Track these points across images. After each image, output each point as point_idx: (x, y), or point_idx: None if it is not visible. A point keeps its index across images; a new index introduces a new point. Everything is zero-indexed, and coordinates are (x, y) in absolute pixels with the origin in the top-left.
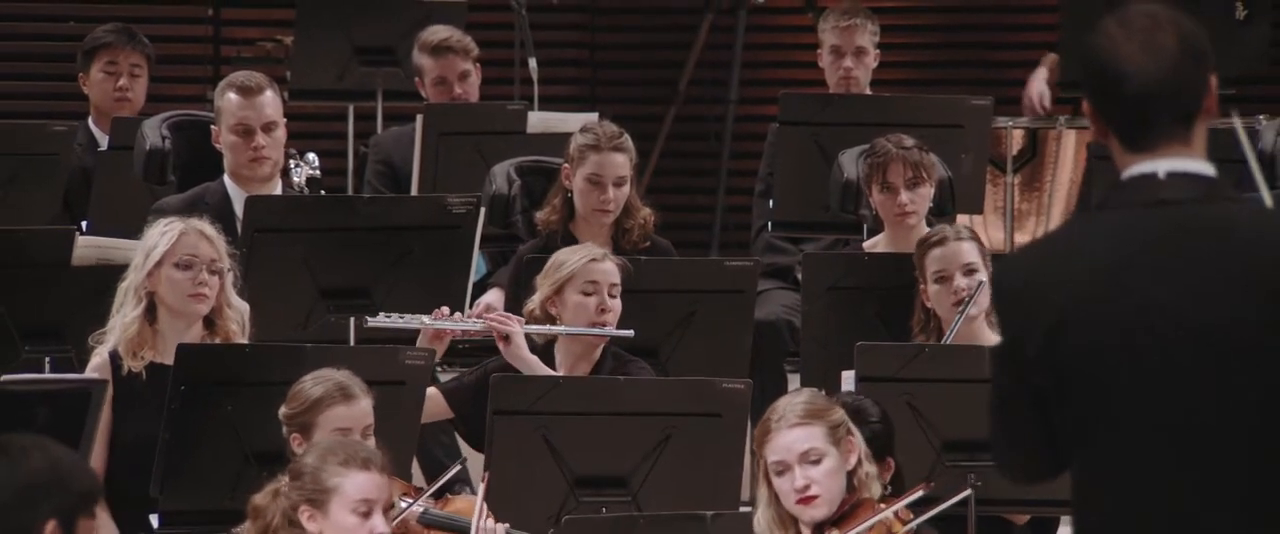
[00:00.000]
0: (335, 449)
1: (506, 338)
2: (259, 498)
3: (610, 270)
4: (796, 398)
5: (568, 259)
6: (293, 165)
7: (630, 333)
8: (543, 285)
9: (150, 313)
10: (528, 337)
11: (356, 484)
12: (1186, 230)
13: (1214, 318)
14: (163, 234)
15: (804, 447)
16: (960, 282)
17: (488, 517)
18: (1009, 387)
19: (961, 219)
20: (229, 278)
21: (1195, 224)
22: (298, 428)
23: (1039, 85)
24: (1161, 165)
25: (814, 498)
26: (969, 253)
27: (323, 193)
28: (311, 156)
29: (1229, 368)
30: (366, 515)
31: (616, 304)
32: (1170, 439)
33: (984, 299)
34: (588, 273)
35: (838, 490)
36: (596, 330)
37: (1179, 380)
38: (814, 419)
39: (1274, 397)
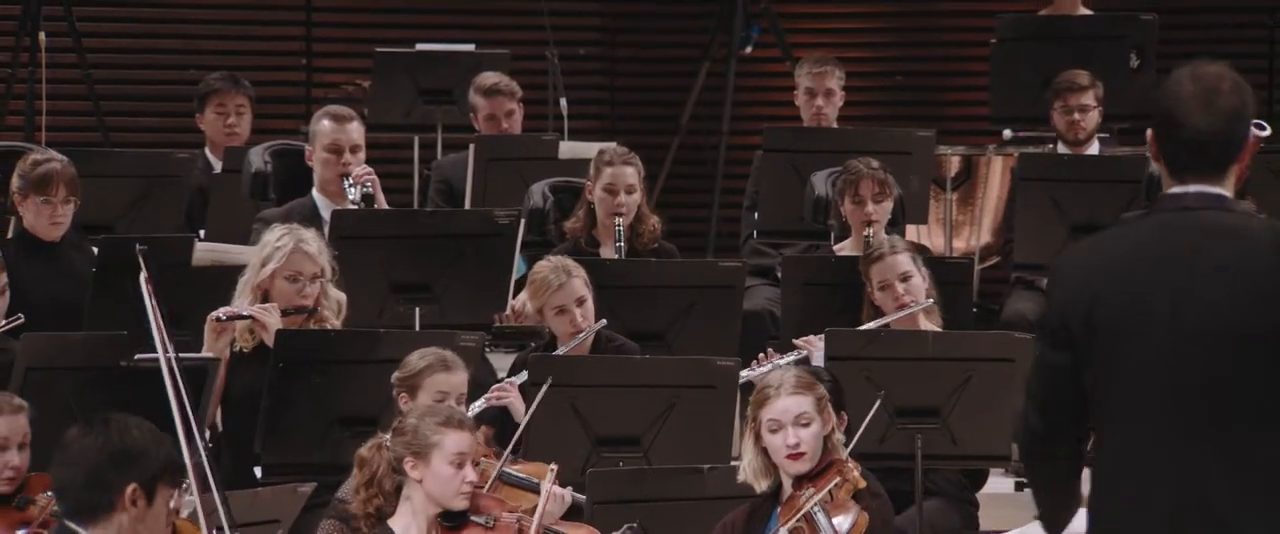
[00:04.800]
0: (435, 411)
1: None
2: (364, 451)
3: (572, 290)
4: (788, 373)
5: (541, 282)
6: (346, 185)
7: (603, 322)
8: (531, 301)
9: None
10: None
11: (454, 440)
12: (1200, 228)
13: (1214, 296)
14: (276, 249)
15: (798, 411)
16: (900, 288)
17: (556, 481)
18: (1050, 355)
19: (909, 230)
20: (329, 275)
21: (1207, 223)
22: (406, 389)
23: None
24: (1193, 188)
25: (801, 455)
26: (904, 263)
27: (374, 205)
28: None
29: (1222, 339)
30: (460, 466)
31: (586, 309)
32: (1164, 390)
33: (922, 299)
34: (555, 300)
35: (818, 450)
36: (576, 340)
37: (1179, 344)
38: (806, 390)
39: (1255, 364)
